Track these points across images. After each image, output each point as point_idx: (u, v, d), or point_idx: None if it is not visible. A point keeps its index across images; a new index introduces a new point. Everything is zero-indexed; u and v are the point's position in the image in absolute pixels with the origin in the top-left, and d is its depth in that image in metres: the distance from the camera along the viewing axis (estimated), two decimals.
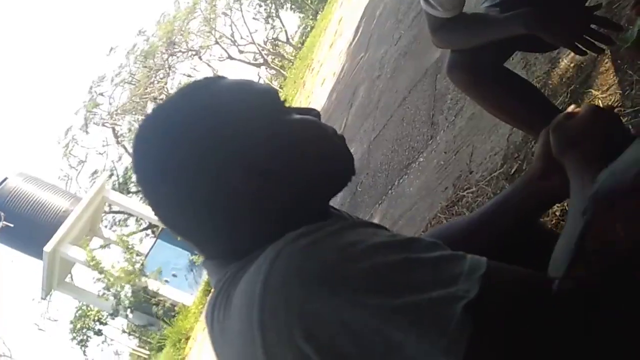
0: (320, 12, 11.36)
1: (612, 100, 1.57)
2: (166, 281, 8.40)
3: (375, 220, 2.69)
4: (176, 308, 7.74)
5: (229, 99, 0.61)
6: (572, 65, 1.85)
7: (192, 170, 0.58)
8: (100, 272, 8.09)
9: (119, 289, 8.02)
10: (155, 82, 11.55)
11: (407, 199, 2.47)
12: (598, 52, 1.06)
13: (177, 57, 11.86)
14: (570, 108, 0.75)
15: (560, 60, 1.92)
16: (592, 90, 1.68)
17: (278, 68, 12.18)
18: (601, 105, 1.66)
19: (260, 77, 12.27)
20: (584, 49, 1.03)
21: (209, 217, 0.59)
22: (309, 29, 11.79)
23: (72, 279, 9.78)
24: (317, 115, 0.65)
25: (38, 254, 8.63)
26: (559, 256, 0.55)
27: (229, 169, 0.58)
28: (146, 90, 11.22)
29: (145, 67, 11.57)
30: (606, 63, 1.71)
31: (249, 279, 0.52)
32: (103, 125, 11.49)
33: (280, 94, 0.67)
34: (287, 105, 0.65)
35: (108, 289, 8.08)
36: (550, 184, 0.74)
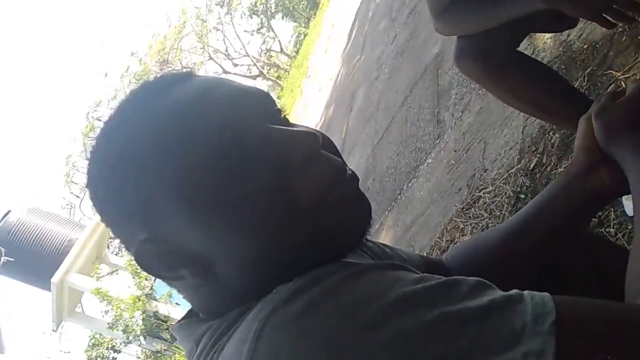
0: (312, 19, 11.29)
1: (637, 80, 1.44)
2: (177, 304, 8.26)
3: (385, 229, 2.55)
4: None
5: (189, 113, 0.43)
6: (585, 46, 1.72)
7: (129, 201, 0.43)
8: (108, 302, 7.95)
9: (128, 317, 7.86)
10: None
11: (419, 204, 2.34)
12: (629, 21, 0.93)
13: None
14: (611, 89, 0.63)
15: (572, 42, 1.78)
16: (612, 72, 1.54)
17: (274, 78, 12.09)
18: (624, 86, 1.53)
19: None
20: (613, 20, 0.90)
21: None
22: (302, 37, 11.71)
23: (82, 309, 9.66)
24: (312, 149, 0.44)
25: (46, 286, 8.53)
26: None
27: (181, 212, 0.42)
28: None
29: None
30: (624, 41, 1.58)
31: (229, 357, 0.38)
32: None
33: (271, 101, 0.47)
34: (279, 119, 0.46)
35: (117, 320, 7.92)
36: (599, 180, 0.60)
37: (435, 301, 0.35)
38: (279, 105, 0.48)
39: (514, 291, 0.37)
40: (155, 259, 0.43)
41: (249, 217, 0.41)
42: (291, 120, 0.49)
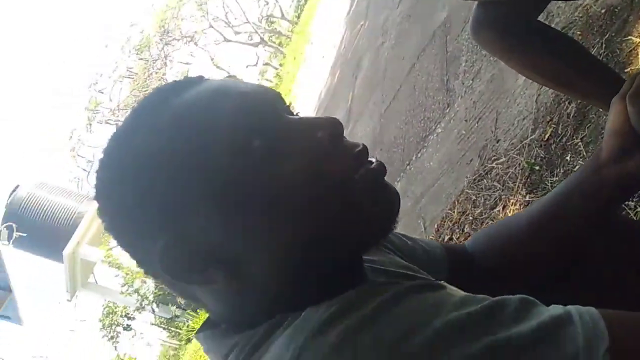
0: None
1: None
2: None
3: None
4: None
5: (189, 123, 0.42)
6: (603, 11, 1.66)
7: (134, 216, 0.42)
8: (119, 269, 8.11)
9: (140, 284, 8.03)
10: (154, 73, 11.34)
11: (429, 175, 2.32)
12: None
13: (173, 46, 11.59)
14: None
15: (589, 6, 1.72)
16: (632, 37, 1.49)
17: (276, 45, 11.88)
18: None
19: (258, 57, 11.98)
20: None
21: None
22: (303, 1, 11.44)
23: (95, 279, 9.86)
24: (336, 129, 0.43)
25: (58, 258, 8.68)
26: None
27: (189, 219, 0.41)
28: (145, 83, 11.05)
29: (142, 59, 11.36)
30: None
31: None
32: (106, 122, 11.39)
33: (281, 99, 0.46)
34: (291, 114, 0.45)
35: (130, 286, 8.10)
36: (632, 164, 0.58)
37: (482, 329, 0.33)
38: (287, 103, 0.47)
39: (560, 309, 0.35)
40: (183, 262, 0.41)
41: (281, 202, 0.40)
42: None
